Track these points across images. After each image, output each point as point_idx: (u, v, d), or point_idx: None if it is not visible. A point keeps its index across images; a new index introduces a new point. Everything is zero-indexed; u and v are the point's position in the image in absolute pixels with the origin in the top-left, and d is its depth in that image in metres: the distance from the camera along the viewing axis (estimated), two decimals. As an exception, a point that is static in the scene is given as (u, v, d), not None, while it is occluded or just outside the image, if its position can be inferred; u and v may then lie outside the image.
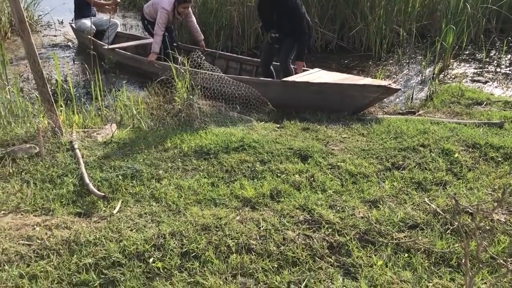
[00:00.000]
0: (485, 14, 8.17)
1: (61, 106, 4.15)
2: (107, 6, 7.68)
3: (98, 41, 6.98)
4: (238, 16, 7.68)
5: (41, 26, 9.27)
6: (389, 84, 4.60)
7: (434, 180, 3.09)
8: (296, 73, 5.19)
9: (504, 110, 4.70)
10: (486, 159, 3.42)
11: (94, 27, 7.28)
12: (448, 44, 6.59)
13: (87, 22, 7.10)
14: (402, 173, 3.19)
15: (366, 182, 3.06)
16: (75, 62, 7.05)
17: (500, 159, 3.42)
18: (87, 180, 2.96)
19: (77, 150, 3.35)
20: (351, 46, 7.91)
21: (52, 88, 4.65)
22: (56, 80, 4.61)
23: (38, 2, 9.40)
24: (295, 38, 5.12)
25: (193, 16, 6.49)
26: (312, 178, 3.09)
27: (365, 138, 3.87)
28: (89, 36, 6.70)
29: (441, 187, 3.00)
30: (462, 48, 7.46)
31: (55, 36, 8.66)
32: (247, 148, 3.51)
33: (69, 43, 8.15)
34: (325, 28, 7.85)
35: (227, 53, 6.71)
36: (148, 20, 6.41)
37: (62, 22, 9.53)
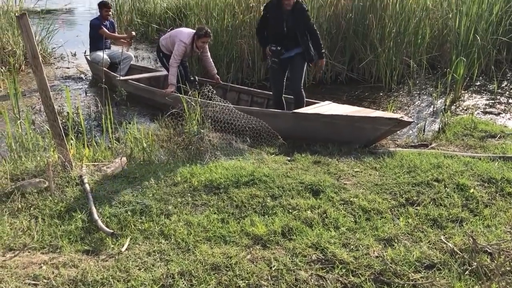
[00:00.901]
0: (496, 45, 8.18)
1: (72, 139, 4.15)
2: (122, 40, 7.82)
3: (112, 73, 7.07)
4: (248, 48, 7.76)
5: (55, 58, 9.43)
6: (401, 116, 4.55)
7: (450, 216, 3.01)
8: (320, 70, 5.35)
9: (519, 143, 4.62)
10: (503, 195, 3.34)
11: (108, 59, 7.40)
12: (459, 75, 6.56)
13: (101, 54, 7.22)
14: (416, 209, 3.11)
15: (380, 219, 2.98)
16: (87, 94, 7.12)
17: (517, 194, 3.33)
18: (95, 216, 2.92)
19: (86, 185, 3.33)
20: (361, 78, 7.92)
21: (63, 120, 4.68)
22: (68, 112, 4.63)
23: (52, 35, 9.59)
24: (307, 46, 5.10)
25: (208, 51, 6.49)
26: (325, 214, 3.03)
27: (378, 172, 3.80)
28: (103, 68, 6.80)
29: (457, 224, 2.92)
30: (473, 79, 7.44)
31: (68, 68, 8.79)
32: (257, 182, 3.46)
33: (82, 75, 8.26)
34: (335, 60, 7.90)
35: (238, 86, 6.73)
36: (164, 52, 6.40)
37: (75, 55, 9.70)
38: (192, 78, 6.39)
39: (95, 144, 4.41)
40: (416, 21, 7.84)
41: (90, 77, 8.11)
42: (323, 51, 5.33)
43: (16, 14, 4.00)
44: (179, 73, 6.08)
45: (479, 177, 3.58)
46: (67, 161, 3.49)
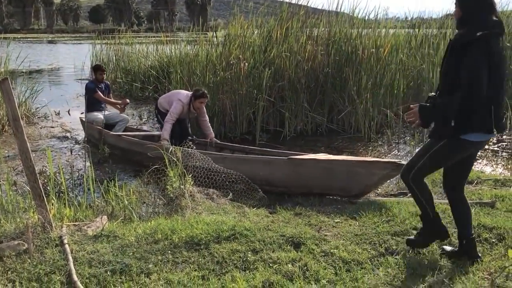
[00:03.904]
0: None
1: (53, 199, 4.14)
2: (116, 105, 7.94)
3: (105, 130, 7.10)
4: (230, 103, 7.95)
5: (38, 118, 9.50)
6: (399, 161, 4.52)
7: (430, 265, 3.04)
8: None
9: (495, 189, 4.73)
10: (480, 241, 3.39)
11: (103, 118, 7.50)
12: (434, 124, 6.76)
13: (98, 114, 7.38)
14: (396, 258, 3.14)
15: (360, 270, 3.00)
16: (72, 153, 7.11)
17: (494, 240, 3.39)
18: (75, 277, 2.89)
19: (66, 246, 3.30)
20: (341, 128, 8.12)
21: (45, 181, 4.68)
22: (49, 173, 4.65)
23: (36, 95, 9.71)
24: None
25: (206, 115, 6.56)
26: (306, 267, 3.03)
27: (357, 222, 3.85)
28: (98, 127, 6.94)
29: (436, 272, 2.94)
30: (449, 127, 7.66)
31: (52, 127, 8.85)
32: (238, 236, 3.47)
33: (67, 134, 8.31)
34: (315, 112, 8.11)
35: (232, 144, 6.70)
36: (159, 110, 6.52)
37: (58, 113, 9.81)
38: (189, 138, 6.34)
39: (76, 203, 4.40)
40: (391, 73, 8.16)
41: (75, 135, 8.14)
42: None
43: (-1, 78, 4.09)
44: (176, 132, 6.13)
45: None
46: (47, 222, 3.48)
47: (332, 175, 4.66)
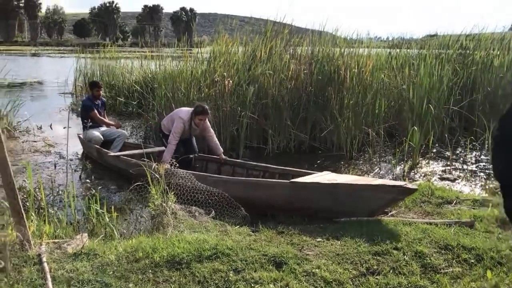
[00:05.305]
0: (448, 114, 8.68)
1: (32, 216, 4.08)
2: (111, 126, 7.89)
3: (104, 149, 7.03)
4: (214, 120, 7.96)
5: (20, 132, 9.37)
6: (405, 184, 4.45)
7: (409, 285, 3.07)
8: None
9: (473, 209, 4.80)
10: (459, 261, 3.44)
11: (101, 136, 7.43)
12: (415, 143, 6.88)
13: (95, 132, 7.35)
14: (377, 278, 3.17)
15: (341, 290, 3.01)
16: (56, 168, 6.99)
17: (473, 260, 3.44)
18: (52, 297, 2.84)
19: (45, 264, 3.25)
20: (323, 146, 8.19)
21: (24, 196, 4.61)
22: (29, 189, 4.58)
23: (17, 109, 9.59)
24: None
25: (211, 130, 6.41)
26: (287, 287, 3.04)
27: (339, 242, 3.87)
28: (96, 146, 6.96)
29: (416, 293, 2.98)
30: (429, 146, 7.79)
31: (35, 141, 8.73)
32: (220, 256, 3.45)
33: (50, 149, 8.19)
34: (298, 130, 8.18)
35: (233, 159, 6.64)
36: (164, 133, 6.35)
37: (40, 128, 9.69)
38: (191, 156, 6.25)
39: (56, 220, 4.33)
40: (372, 93, 8.28)
41: (59, 150, 8.02)
42: None
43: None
44: (180, 153, 5.93)
45: (436, 244, 3.68)
46: (25, 240, 3.42)
47: (337, 199, 4.56)
